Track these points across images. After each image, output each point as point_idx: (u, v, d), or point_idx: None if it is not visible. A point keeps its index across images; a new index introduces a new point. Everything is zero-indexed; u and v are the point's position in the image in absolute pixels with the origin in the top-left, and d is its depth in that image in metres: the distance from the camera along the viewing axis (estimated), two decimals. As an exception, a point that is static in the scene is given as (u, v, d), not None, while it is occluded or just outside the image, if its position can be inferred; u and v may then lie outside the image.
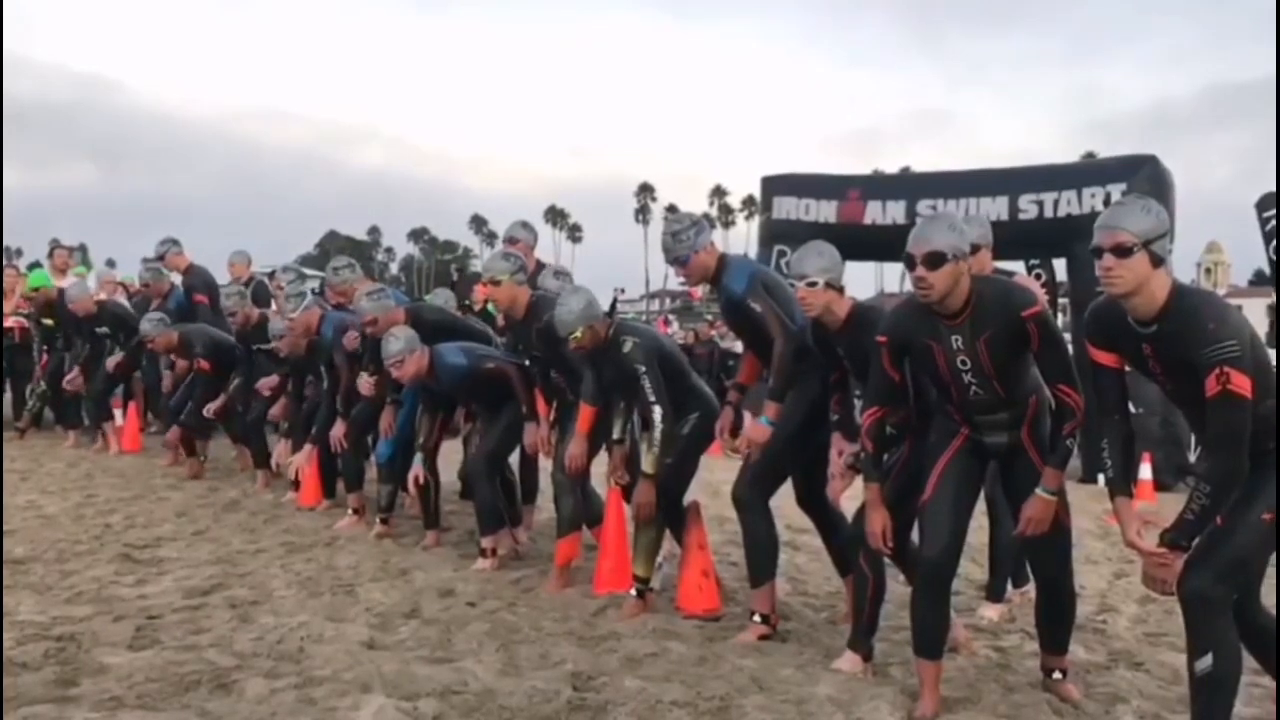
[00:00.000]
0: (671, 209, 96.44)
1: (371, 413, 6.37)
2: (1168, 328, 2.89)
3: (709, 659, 3.95)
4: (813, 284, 3.88)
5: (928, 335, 3.43)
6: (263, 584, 4.95)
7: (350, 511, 6.48)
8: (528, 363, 5.49)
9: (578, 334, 4.63)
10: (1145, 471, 7.82)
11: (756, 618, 4.33)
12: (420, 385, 5.74)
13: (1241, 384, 2.78)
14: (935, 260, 3.28)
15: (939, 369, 3.46)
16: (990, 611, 4.72)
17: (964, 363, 3.40)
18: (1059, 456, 3.40)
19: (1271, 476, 2.92)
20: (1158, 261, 2.88)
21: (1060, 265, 11.35)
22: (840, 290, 3.96)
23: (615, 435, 4.96)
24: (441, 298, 7.87)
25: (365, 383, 6.29)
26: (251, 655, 3.84)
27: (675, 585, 4.81)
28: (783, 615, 4.49)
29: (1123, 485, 3.10)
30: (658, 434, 4.53)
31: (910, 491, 3.66)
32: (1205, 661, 2.91)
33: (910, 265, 3.35)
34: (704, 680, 3.66)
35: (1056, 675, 3.66)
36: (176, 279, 9.57)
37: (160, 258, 9.40)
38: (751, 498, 4.35)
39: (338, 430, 6.49)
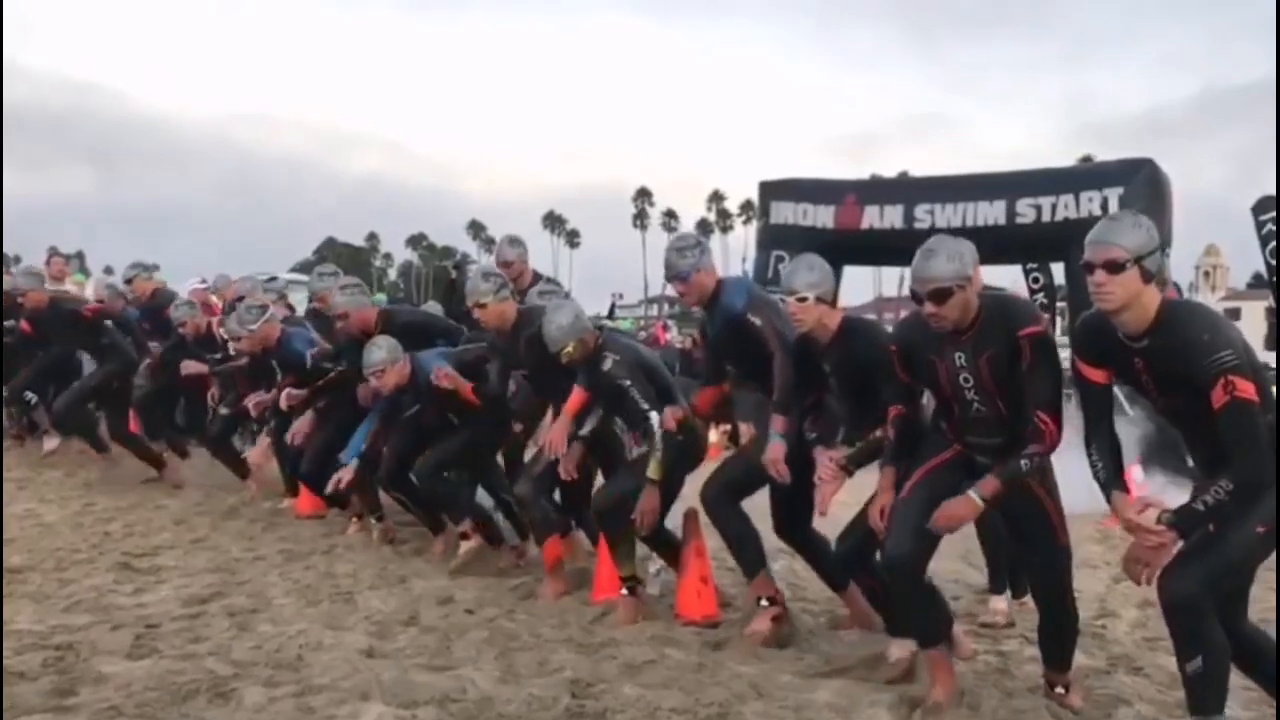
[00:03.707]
0: (670, 214, 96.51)
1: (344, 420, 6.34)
2: (1160, 341, 2.89)
3: (708, 666, 3.95)
4: (803, 299, 3.90)
5: (932, 350, 3.44)
6: (261, 592, 4.95)
7: (352, 519, 6.47)
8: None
9: (569, 348, 4.64)
10: (1139, 475, 7.82)
11: (763, 603, 4.36)
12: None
13: (1247, 390, 2.79)
14: (942, 295, 3.30)
15: (941, 385, 3.46)
16: (998, 603, 4.73)
17: (966, 380, 3.40)
18: (1008, 471, 3.32)
19: (1269, 493, 2.88)
20: (1149, 277, 2.88)
21: (1058, 269, 11.38)
22: (831, 304, 3.96)
23: (582, 430, 4.92)
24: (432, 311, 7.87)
25: (289, 396, 6.31)
26: (250, 664, 3.84)
27: (674, 592, 4.81)
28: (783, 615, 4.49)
29: (1116, 482, 3.08)
30: (659, 440, 4.54)
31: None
32: (1196, 663, 2.92)
33: (919, 301, 3.36)
34: (703, 687, 3.66)
35: (1059, 690, 3.63)
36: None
37: (128, 281, 9.38)
38: (720, 500, 4.40)
39: (304, 424, 6.45)
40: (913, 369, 3.58)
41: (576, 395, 4.85)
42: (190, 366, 7.44)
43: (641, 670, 3.87)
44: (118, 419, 8.31)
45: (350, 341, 6.10)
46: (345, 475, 5.88)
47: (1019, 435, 3.39)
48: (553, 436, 4.89)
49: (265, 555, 5.77)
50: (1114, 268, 2.86)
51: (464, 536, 5.49)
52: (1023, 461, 3.31)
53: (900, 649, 3.82)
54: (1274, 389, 2.98)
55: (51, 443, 8.35)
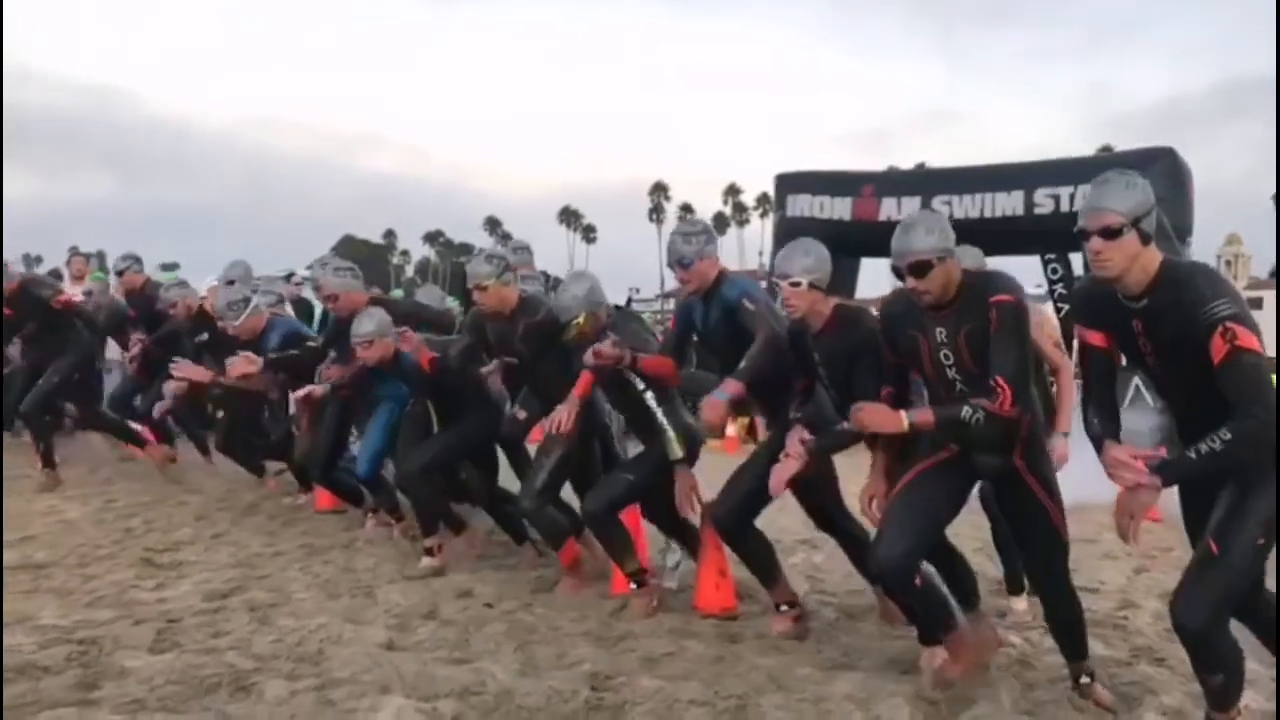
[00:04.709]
0: (686, 208, 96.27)
1: (338, 424, 6.36)
2: (1159, 301, 2.79)
3: (726, 658, 3.95)
4: (796, 284, 3.84)
5: (914, 326, 3.41)
6: (282, 587, 4.97)
7: (367, 513, 6.49)
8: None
9: (580, 319, 4.53)
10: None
11: (782, 609, 4.35)
12: (372, 372, 5.68)
13: (1249, 340, 2.65)
14: (922, 269, 3.26)
15: (924, 363, 3.42)
16: (1019, 604, 4.70)
17: (947, 356, 3.35)
18: (947, 413, 3.26)
19: (1267, 491, 2.80)
20: (1146, 238, 2.77)
21: (1077, 260, 11.30)
22: (824, 291, 3.91)
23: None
24: (428, 295, 7.84)
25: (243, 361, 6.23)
26: (271, 657, 3.86)
27: (692, 585, 4.81)
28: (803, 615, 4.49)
29: (1110, 436, 2.99)
30: (662, 420, 4.47)
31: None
32: (1218, 678, 2.92)
33: (900, 277, 3.32)
34: (722, 679, 3.66)
35: (1084, 680, 3.57)
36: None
37: (119, 274, 9.38)
38: (731, 521, 4.33)
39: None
40: (897, 345, 3.53)
41: (585, 378, 4.72)
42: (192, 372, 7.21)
43: (660, 662, 3.88)
44: (85, 405, 8.31)
45: (339, 327, 6.04)
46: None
47: (1009, 429, 3.31)
48: (560, 413, 4.67)
49: (285, 550, 5.79)
50: (1110, 234, 2.76)
51: (428, 552, 5.42)
52: (966, 409, 3.22)
53: (933, 657, 3.77)
54: (1274, 377, 2.90)
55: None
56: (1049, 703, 3.51)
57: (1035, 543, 3.50)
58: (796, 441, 3.95)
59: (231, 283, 7.46)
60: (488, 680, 3.58)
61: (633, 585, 4.67)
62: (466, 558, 5.63)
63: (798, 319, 3.96)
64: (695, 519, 4.75)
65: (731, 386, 4.15)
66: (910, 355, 3.48)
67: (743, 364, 4.17)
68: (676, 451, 4.49)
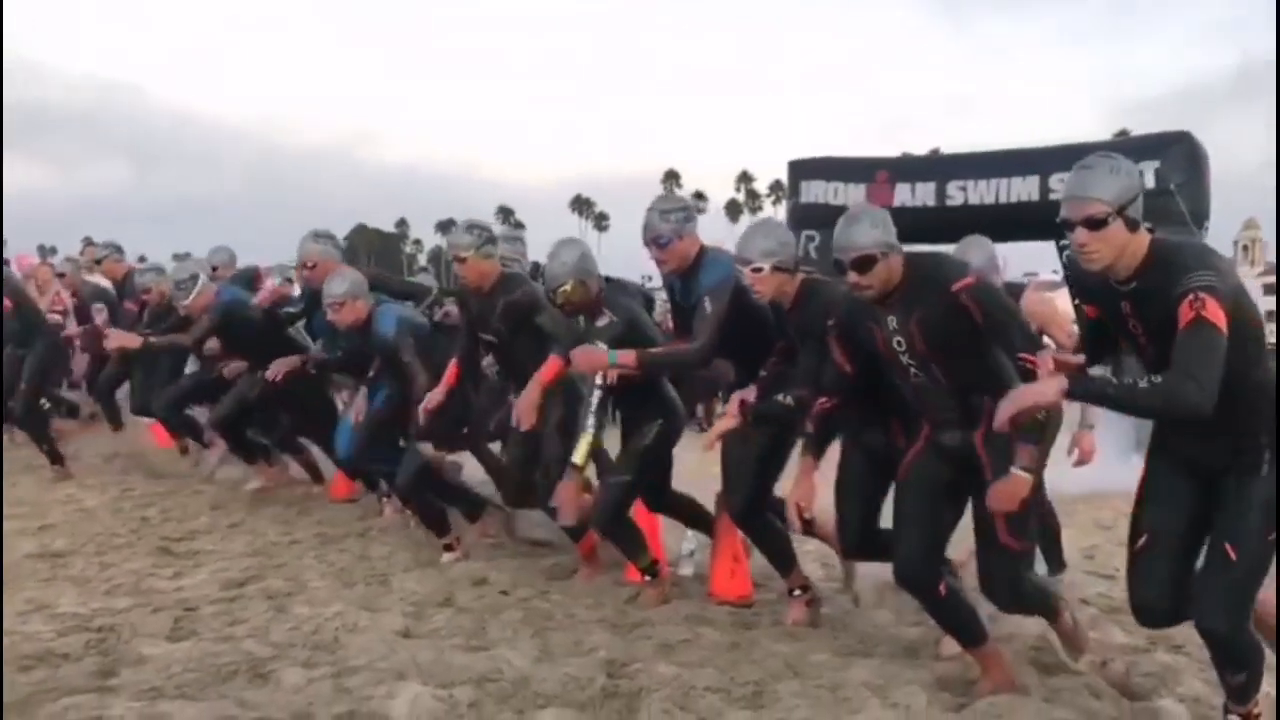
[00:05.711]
0: (699, 195, 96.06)
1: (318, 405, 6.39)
2: (1148, 282, 2.68)
3: (742, 645, 3.95)
4: (758, 269, 3.77)
5: (869, 318, 3.36)
6: (298, 575, 4.99)
7: (381, 502, 6.50)
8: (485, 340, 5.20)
9: (567, 287, 4.37)
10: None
11: (796, 593, 4.34)
12: (342, 331, 5.60)
13: (1216, 314, 2.52)
14: (866, 264, 3.21)
15: (880, 352, 3.37)
16: None
17: (899, 344, 3.28)
18: (1026, 429, 2.99)
19: (1268, 477, 2.74)
20: (1134, 225, 2.66)
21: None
22: (789, 271, 3.83)
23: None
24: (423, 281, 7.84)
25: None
26: (288, 645, 3.87)
27: (707, 572, 4.81)
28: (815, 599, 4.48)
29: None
30: (589, 419, 4.38)
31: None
32: (1240, 677, 2.87)
33: (842, 270, 3.27)
34: (737, 666, 3.66)
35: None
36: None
37: (98, 262, 9.35)
38: (749, 515, 4.30)
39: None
40: (856, 338, 3.47)
41: (552, 364, 4.57)
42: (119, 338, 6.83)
43: (676, 649, 3.88)
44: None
45: (315, 297, 5.98)
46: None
47: (973, 408, 3.22)
48: (522, 408, 4.54)
49: (301, 539, 5.81)
50: (1094, 224, 2.64)
51: (448, 548, 5.39)
52: (1039, 414, 3.04)
53: (951, 644, 3.73)
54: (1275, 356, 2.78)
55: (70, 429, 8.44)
56: (1066, 689, 3.49)
57: (979, 538, 3.34)
58: (738, 401, 3.95)
59: (215, 269, 7.46)
60: (504, 667, 3.58)
61: (646, 578, 4.67)
62: (481, 546, 5.64)
63: (769, 301, 3.90)
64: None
65: (624, 356, 4.13)
66: (869, 345, 3.43)
67: (656, 349, 4.18)
68: (579, 456, 4.38)
